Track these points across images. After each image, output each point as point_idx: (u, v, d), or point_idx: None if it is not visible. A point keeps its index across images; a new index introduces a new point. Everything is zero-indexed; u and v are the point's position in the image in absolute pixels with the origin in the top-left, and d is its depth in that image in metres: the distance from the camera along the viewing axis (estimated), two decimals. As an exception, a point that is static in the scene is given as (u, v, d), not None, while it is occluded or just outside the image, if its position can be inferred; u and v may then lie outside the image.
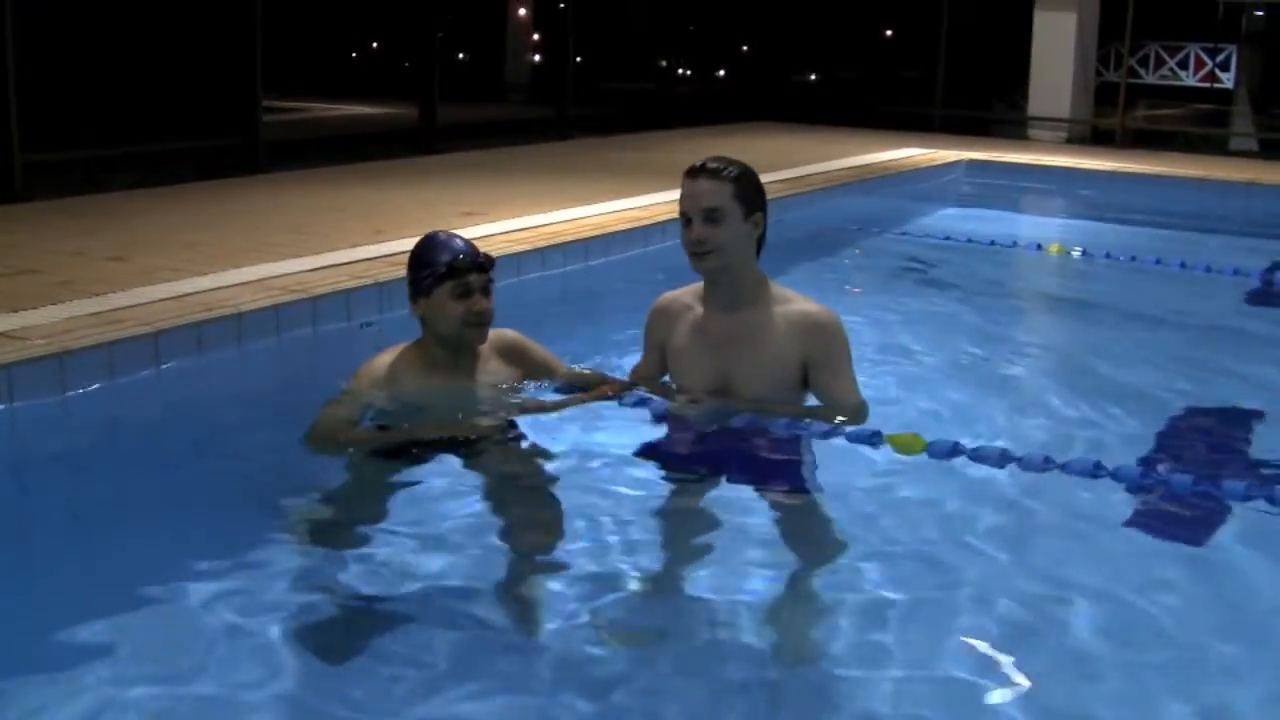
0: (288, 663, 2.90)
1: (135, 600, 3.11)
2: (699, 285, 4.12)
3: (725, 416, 4.06)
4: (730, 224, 3.90)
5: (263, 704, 2.75)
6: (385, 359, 4.11)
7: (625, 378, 4.33)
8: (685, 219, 3.96)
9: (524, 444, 4.06)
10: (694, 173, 3.94)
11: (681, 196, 3.96)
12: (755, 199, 3.97)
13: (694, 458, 4.03)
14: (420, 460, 3.93)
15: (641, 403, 4.21)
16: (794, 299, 4.05)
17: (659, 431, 4.12)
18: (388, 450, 3.96)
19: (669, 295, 4.24)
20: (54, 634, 2.96)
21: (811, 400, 4.11)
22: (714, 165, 3.94)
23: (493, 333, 4.19)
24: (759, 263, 4.06)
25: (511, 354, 4.25)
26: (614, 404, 4.22)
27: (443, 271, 4.00)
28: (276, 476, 3.98)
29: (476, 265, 4.03)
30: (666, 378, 4.23)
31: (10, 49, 8.24)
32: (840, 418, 4.04)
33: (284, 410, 4.52)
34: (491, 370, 4.18)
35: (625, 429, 4.15)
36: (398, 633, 3.09)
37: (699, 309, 4.11)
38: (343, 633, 3.10)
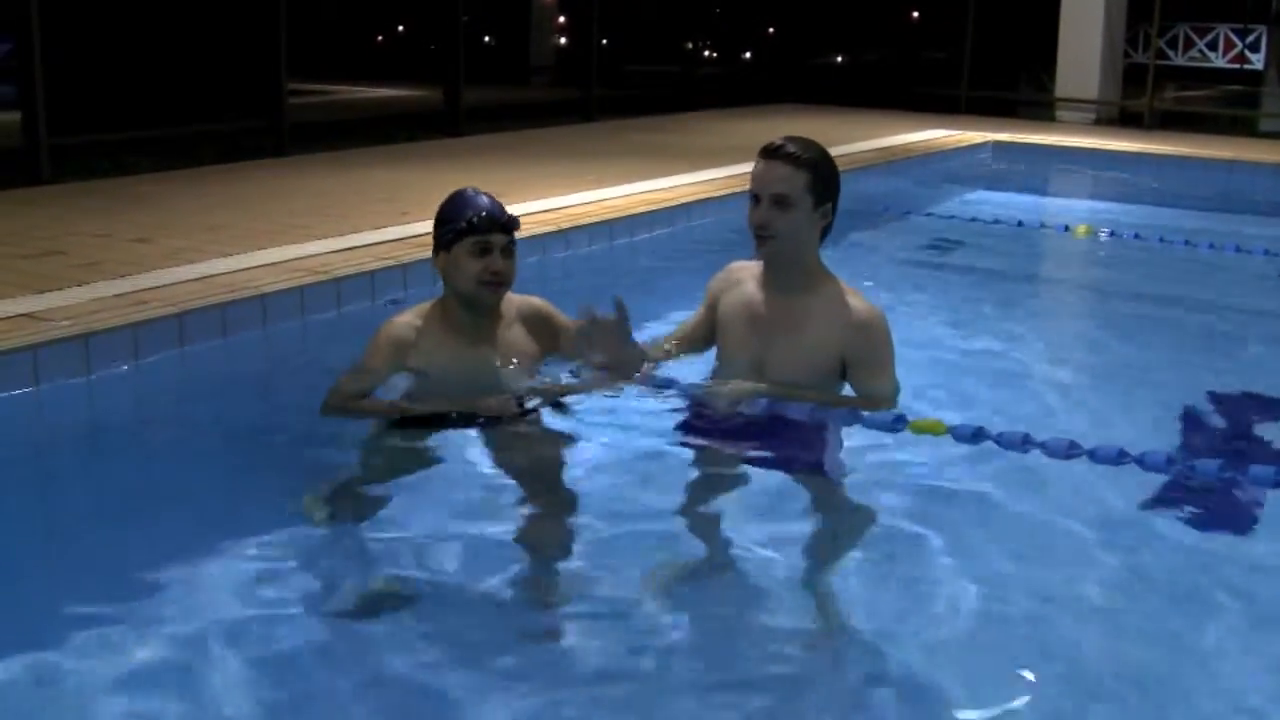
0: (305, 640, 2.92)
1: (158, 579, 3.12)
2: (762, 268, 4.08)
3: (753, 398, 4.04)
4: (798, 213, 3.85)
5: (282, 680, 2.77)
6: (406, 318, 4.09)
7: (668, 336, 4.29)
8: (754, 198, 3.90)
9: (544, 423, 4.05)
10: (771, 153, 3.87)
11: (753, 174, 3.90)
12: (827, 190, 3.90)
13: (719, 438, 4.02)
14: (439, 437, 3.93)
15: (669, 384, 4.19)
16: (846, 292, 4.00)
17: (685, 411, 4.11)
18: (409, 426, 3.96)
19: (739, 264, 4.18)
20: (77, 613, 2.97)
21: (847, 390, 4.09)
22: (793, 150, 3.85)
23: (519, 298, 4.18)
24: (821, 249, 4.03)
25: (535, 322, 4.20)
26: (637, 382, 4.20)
27: (463, 227, 3.97)
28: (299, 457, 3.98)
29: (498, 224, 3.98)
30: (712, 367, 4.19)
31: (37, 33, 8.26)
32: (868, 405, 4.02)
33: (307, 391, 4.52)
34: (514, 336, 4.13)
35: (650, 407, 4.13)
36: (414, 614, 3.09)
37: (754, 286, 4.07)
38: (360, 611, 3.10)
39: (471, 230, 3.96)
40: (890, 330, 4.02)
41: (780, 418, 4.01)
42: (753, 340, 4.04)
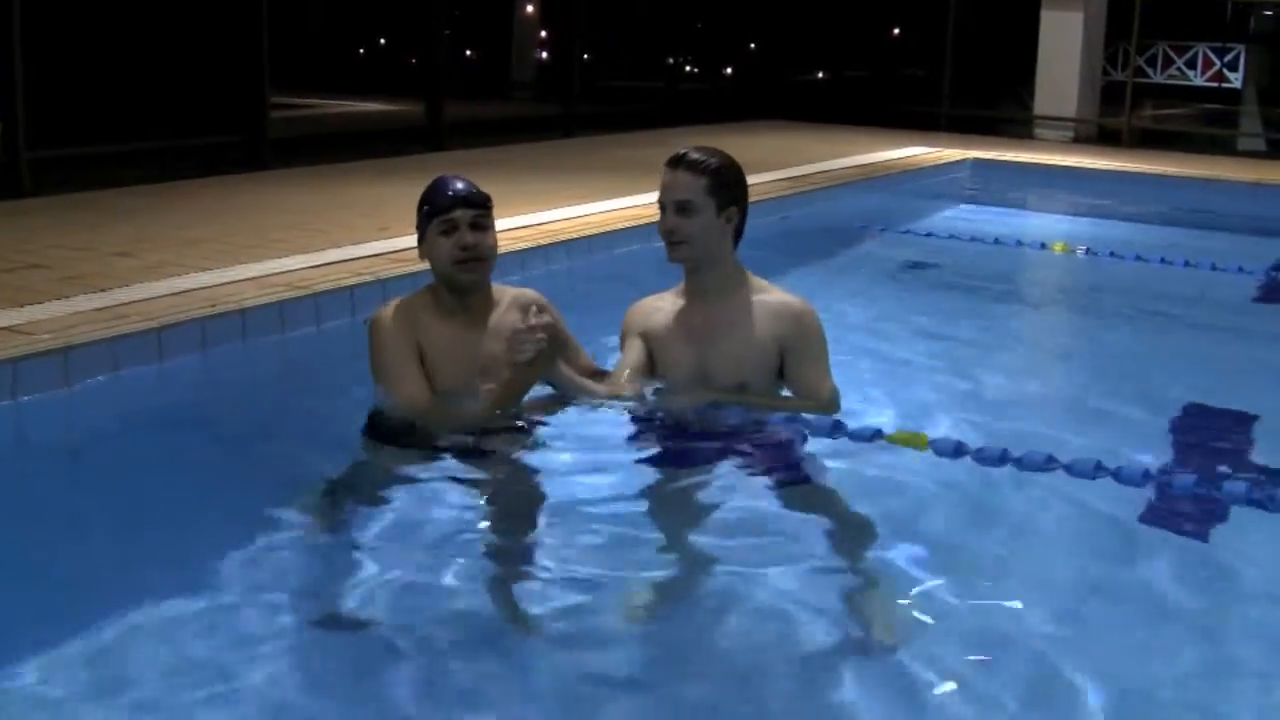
0: (282, 657, 2.91)
1: (136, 595, 3.11)
2: (678, 286, 4.19)
3: (707, 405, 4.06)
4: (701, 217, 3.98)
5: (259, 700, 2.76)
6: (396, 301, 4.10)
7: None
8: (661, 207, 4.04)
9: (526, 441, 4.04)
10: (673, 163, 4.03)
11: (661, 185, 4.03)
12: (731, 193, 4.04)
13: (688, 454, 4.04)
14: (423, 454, 3.94)
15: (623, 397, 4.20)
16: (771, 289, 4.14)
17: (651, 431, 4.12)
18: (392, 442, 3.97)
19: (645, 299, 4.29)
20: (54, 630, 2.97)
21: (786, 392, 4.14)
22: (693, 157, 4.01)
23: (514, 289, 4.21)
24: (737, 254, 4.13)
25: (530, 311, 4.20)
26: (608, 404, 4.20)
27: (427, 210, 4.01)
28: (279, 472, 3.98)
29: (460, 200, 3.97)
30: (648, 389, 4.19)
31: (18, 45, 8.25)
32: (813, 405, 4.07)
33: (287, 407, 4.53)
34: (509, 322, 4.07)
35: (621, 429, 4.14)
36: (398, 634, 3.07)
37: (680, 301, 4.17)
38: (340, 629, 3.09)
39: (435, 211, 3.98)
40: (820, 320, 4.13)
41: (748, 428, 4.03)
42: (691, 351, 4.10)
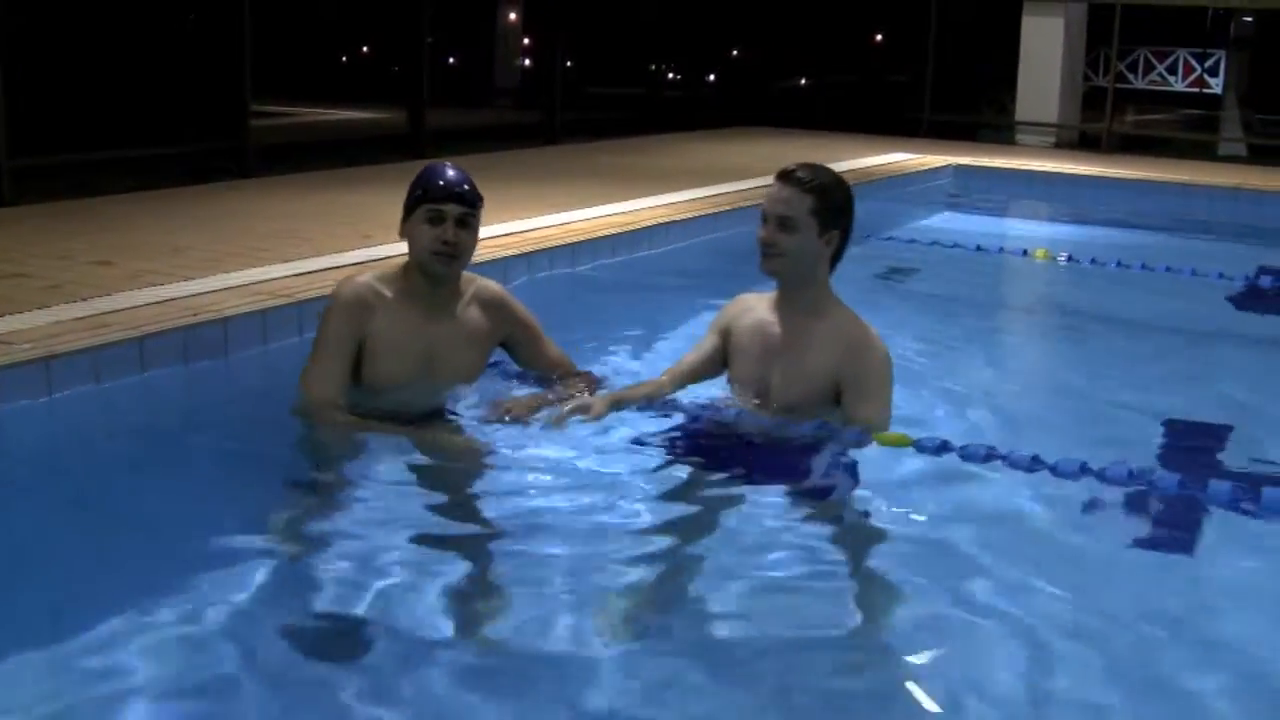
0: (266, 664, 2.92)
1: (117, 605, 3.11)
2: (774, 293, 4.20)
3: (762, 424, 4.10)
4: (801, 236, 3.99)
5: (237, 706, 2.77)
6: (366, 279, 4.13)
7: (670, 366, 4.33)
8: (763, 217, 4.04)
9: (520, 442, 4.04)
10: (783, 176, 4.03)
11: (767, 195, 4.04)
12: (835, 216, 4.04)
13: (712, 460, 4.06)
14: (401, 453, 3.94)
15: (667, 406, 4.22)
16: (853, 322, 4.12)
17: (679, 431, 4.16)
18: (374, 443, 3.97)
19: (749, 294, 4.32)
20: (36, 637, 2.96)
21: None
22: (802, 175, 4.00)
23: (480, 282, 4.25)
24: (833, 276, 4.17)
25: (492, 306, 4.24)
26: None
27: (419, 194, 4.03)
28: (260, 481, 3.98)
29: (453, 194, 4.01)
30: (708, 397, 4.22)
31: (-2, 53, 8.24)
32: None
33: (269, 416, 4.51)
34: (470, 315, 4.17)
35: (639, 428, 4.18)
36: (383, 639, 3.09)
37: (770, 309, 4.18)
38: (326, 636, 3.11)
39: (426, 197, 4.01)
40: (891, 366, 4.11)
41: (776, 439, 4.06)
42: (761, 362, 4.14)
